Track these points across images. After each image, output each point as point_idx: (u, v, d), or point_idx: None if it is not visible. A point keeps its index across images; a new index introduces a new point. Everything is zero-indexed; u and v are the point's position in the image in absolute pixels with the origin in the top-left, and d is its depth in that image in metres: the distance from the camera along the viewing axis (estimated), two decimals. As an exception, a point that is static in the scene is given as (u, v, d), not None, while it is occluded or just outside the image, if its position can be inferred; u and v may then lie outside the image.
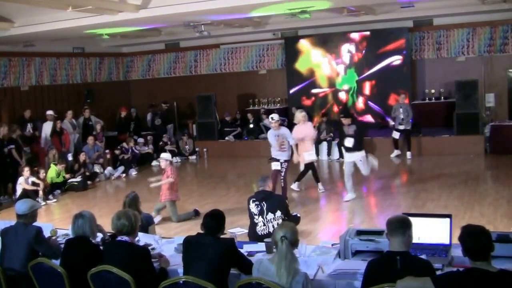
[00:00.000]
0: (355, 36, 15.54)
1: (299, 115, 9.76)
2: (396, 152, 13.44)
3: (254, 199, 6.35)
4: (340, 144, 10.45)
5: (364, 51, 15.49)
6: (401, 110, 13.21)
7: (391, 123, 13.46)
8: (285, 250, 3.68)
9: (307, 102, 16.12)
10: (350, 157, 9.20)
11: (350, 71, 15.72)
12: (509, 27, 14.30)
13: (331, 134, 13.82)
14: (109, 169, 13.39)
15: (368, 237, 4.45)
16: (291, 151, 9.30)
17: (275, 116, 9.28)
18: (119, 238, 4.30)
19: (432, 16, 14.70)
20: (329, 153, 14.02)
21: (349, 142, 9.01)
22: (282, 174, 9.12)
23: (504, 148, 12.84)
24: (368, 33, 15.32)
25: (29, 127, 13.42)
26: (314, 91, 16.14)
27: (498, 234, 4.27)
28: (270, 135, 9.28)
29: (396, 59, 15.11)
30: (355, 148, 9.02)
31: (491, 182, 10.80)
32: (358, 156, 9.11)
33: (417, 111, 14.77)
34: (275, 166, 9.20)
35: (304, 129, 9.58)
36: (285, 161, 9.15)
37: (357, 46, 15.57)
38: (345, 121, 9.02)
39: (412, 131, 13.60)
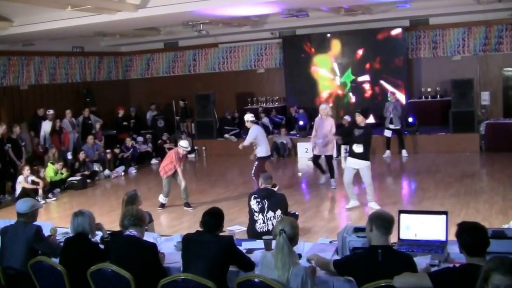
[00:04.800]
0: (351, 35, 15.59)
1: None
2: (388, 152, 13.43)
3: (256, 195, 6.30)
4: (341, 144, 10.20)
5: (361, 51, 15.56)
6: (390, 109, 13.24)
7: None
8: (282, 242, 3.74)
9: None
10: (353, 163, 8.35)
11: (347, 70, 15.79)
12: (504, 27, 14.39)
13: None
14: (107, 172, 13.41)
15: (365, 234, 4.51)
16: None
17: (248, 116, 10.07)
18: (127, 232, 4.33)
19: (428, 16, 14.77)
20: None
21: (358, 147, 8.19)
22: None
23: (499, 145, 12.95)
24: (365, 32, 15.38)
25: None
26: (312, 90, 16.21)
27: (493, 230, 4.28)
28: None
29: (393, 58, 15.20)
30: (364, 156, 8.24)
31: (486, 179, 10.89)
32: (363, 164, 8.30)
33: (414, 109, 14.87)
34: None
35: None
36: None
37: (353, 45, 15.64)
38: (359, 118, 8.22)
39: (407, 130, 13.64)
